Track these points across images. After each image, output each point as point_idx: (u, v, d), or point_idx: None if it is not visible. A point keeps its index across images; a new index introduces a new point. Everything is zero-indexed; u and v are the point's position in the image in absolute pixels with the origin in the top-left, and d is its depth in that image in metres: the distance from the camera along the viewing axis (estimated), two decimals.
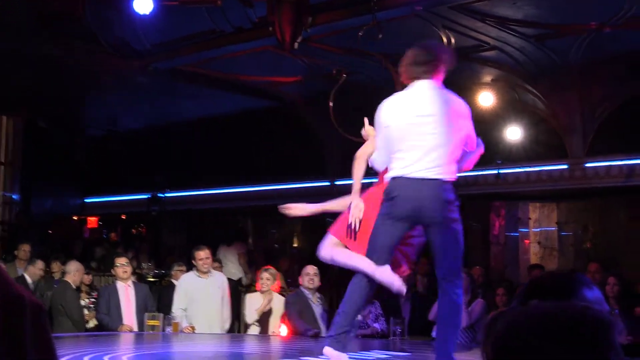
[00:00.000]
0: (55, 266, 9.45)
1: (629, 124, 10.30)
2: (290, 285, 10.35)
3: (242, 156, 13.64)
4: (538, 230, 12.35)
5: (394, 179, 4.43)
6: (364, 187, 4.89)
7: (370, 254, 4.48)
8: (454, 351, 4.43)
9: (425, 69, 4.47)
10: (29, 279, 8.87)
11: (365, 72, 10.50)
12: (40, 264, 9.07)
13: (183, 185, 14.59)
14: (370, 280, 4.50)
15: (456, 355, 4.47)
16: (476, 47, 9.87)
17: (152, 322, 7.40)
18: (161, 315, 7.51)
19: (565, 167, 11.03)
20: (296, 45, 8.57)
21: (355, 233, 4.69)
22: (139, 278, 9.89)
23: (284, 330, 7.42)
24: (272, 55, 10.07)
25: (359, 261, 4.57)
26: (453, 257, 4.42)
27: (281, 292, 8.59)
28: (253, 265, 11.10)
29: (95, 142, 15.54)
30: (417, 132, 4.35)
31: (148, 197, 14.51)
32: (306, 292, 7.52)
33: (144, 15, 8.25)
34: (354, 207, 4.72)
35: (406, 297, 7.77)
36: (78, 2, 9.03)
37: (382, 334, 7.36)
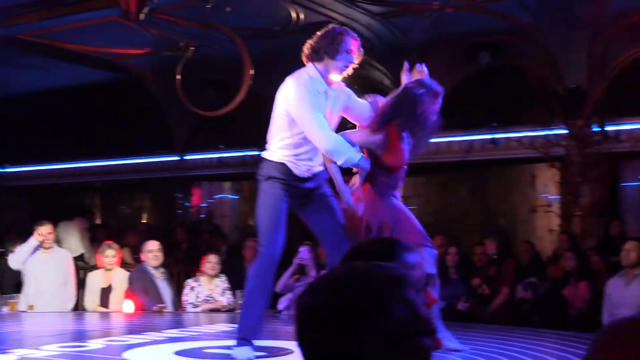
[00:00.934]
0: None
1: (468, 102, 10.76)
2: (137, 262, 10.17)
3: (88, 130, 13.22)
4: None
5: None
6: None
7: None
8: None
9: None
10: None
11: (213, 46, 10.40)
12: None
13: (25, 160, 14.00)
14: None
15: None
16: (324, 22, 9.95)
17: None
18: None
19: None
20: (142, 16, 8.37)
21: None
22: None
23: (129, 307, 7.29)
24: (118, 27, 9.78)
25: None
26: None
27: (127, 268, 8.43)
28: (96, 241, 10.82)
29: None
30: None
31: None
32: (149, 268, 7.43)
33: None
34: None
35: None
36: None
37: (229, 308, 7.38)
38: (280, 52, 10.01)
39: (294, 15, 9.56)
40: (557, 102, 9.88)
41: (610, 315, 6.78)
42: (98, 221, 14.44)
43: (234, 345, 4.44)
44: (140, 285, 7.32)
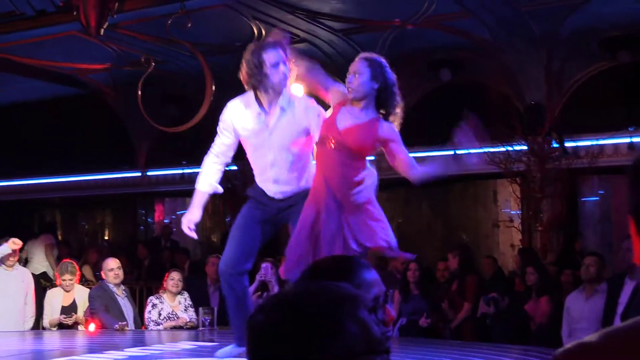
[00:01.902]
0: None
1: (429, 118, 10.84)
2: (98, 279, 10.06)
3: (48, 146, 13.08)
4: None
5: None
6: None
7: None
8: None
9: None
10: None
11: (175, 61, 10.38)
12: None
13: None
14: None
15: None
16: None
17: None
18: None
19: (372, 158, 11.42)
20: (102, 31, 8.31)
21: None
22: None
23: (89, 325, 7.19)
24: (79, 41, 9.71)
25: None
26: None
27: (88, 285, 8.32)
28: (59, 258, 10.70)
29: None
30: None
31: None
32: (110, 285, 7.34)
33: None
34: None
35: (215, 286, 7.75)
36: None
37: (192, 325, 7.32)
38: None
39: (255, 30, 9.58)
40: (517, 119, 10.01)
41: (570, 329, 6.85)
42: (59, 238, 14.25)
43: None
44: (101, 303, 7.22)
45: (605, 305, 6.62)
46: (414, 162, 4.28)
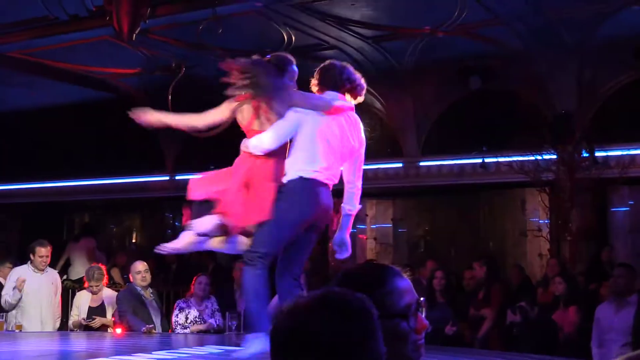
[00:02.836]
0: None
1: (458, 126, 10.82)
2: (126, 282, 10.14)
3: (78, 149, 13.20)
4: (375, 226, 12.71)
5: None
6: None
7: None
8: None
9: None
10: None
11: (205, 67, 10.43)
12: None
13: (12, 178, 13.94)
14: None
15: None
16: (316, 46, 10.03)
17: None
18: None
19: (400, 165, 11.43)
20: (134, 36, 8.39)
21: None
22: None
23: (117, 327, 7.24)
24: (110, 46, 9.81)
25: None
26: None
27: (115, 288, 8.39)
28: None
29: None
30: None
31: None
32: (138, 288, 7.39)
33: None
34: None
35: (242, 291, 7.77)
36: None
37: (218, 329, 7.35)
38: None
39: (285, 37, 9.61)
40: (546, 127, 9.94)
41: (600, 340, 6.78)
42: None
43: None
44: (129, 306, 7.28)
45: (635, 316, 6.55)
46: None
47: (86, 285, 7.81)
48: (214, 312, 7.49)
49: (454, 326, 8.07)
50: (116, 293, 7.67)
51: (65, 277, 10.28)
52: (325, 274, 10.18)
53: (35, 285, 7.66)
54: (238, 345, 6.14)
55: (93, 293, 7.58)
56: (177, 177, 12.92)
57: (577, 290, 7.77)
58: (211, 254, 12.04)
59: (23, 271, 7.78)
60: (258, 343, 4.39)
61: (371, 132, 11.41)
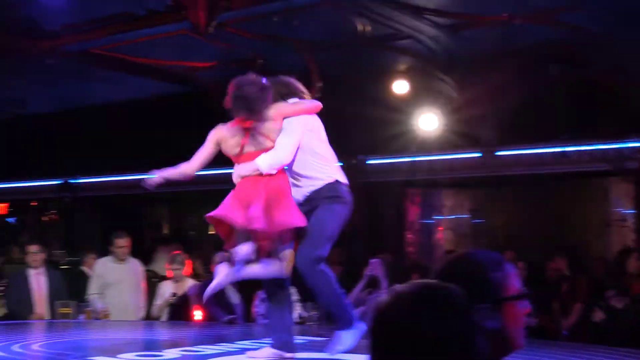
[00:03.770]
0: None
1: (538, 114, 10.59)
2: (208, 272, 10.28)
3: (156, 142, 13.41)
4: (452, 217, 12.60)
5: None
6: None
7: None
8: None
9: None
10: None
11: (280, 59, 10.46)
12: None
13: (95, 171, 14.27)
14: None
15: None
16: (391, 35, 9.95)
17: (64, 310, 7.25)
18: (74, 302, 7.36)
19: (478, 155, 11.27)
20: (211, 29, 8.46)
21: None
22: (51, 265, 9.65)
23: (198, 316, 7.35)
24: (186, 40, 9.91)
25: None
26: None
27: (198, 279, 8.51)
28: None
29: (1, 126, 15.02)
30: None
31: (59, 183, 14.14)
32: None
33: None
34: None
35: None
36: None
37: (300, 320, 7.38)
38: (347, 65, 10.02)
39: (360, 27, 9.55)
40: (630, 115, 9.66)
41: None
42: (166, 232, 14.64)
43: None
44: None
45: None
46: None
47: (169, 274, 7.96)
48: (295, 302, 7.51)
49: (535, 318, 7.93)
50: (199, 283, 7.77)
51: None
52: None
53: (117, 275, 7.87)
54: (321, 336, 6.17)
55: (176, 281, 7.72)
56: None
57: None
58: None
59: (105, 263, 7.98)
60: (350, 338, 4.45)
61: (447, 121, 11.30)
